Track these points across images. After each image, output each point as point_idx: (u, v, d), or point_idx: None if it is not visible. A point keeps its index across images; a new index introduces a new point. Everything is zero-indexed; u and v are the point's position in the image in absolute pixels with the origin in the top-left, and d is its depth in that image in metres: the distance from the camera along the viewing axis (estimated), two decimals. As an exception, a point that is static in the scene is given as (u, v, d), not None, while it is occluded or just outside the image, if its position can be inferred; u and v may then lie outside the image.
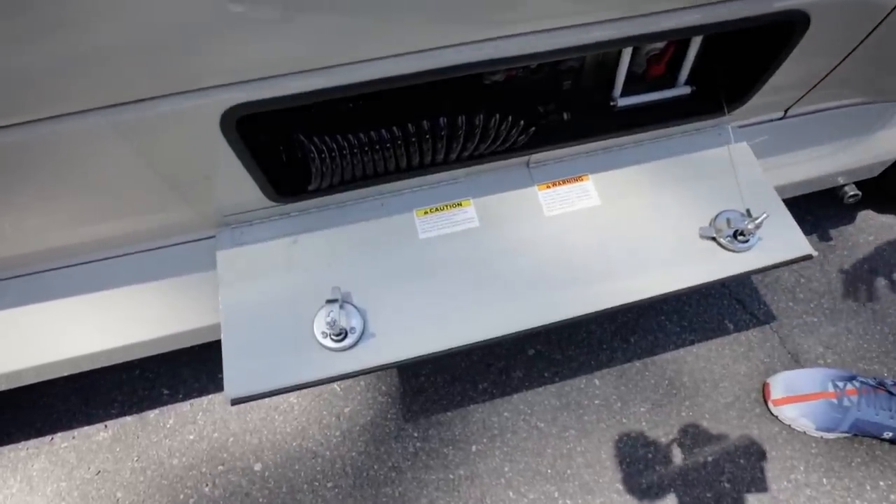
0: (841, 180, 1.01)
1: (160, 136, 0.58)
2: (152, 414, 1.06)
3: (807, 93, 0.84)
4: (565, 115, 0.83)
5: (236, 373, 0.68)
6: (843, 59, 0.76)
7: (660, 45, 0.80)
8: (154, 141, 0.58)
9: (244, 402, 0.66)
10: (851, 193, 1.03)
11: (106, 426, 1.06)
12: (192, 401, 1.08)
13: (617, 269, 0.77)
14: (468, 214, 0.81)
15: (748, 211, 0.78)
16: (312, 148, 0.69)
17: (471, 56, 0.59)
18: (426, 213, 0.81)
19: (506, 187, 0.83)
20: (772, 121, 0.92)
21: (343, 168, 0.73)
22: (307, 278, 0.75)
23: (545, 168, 0.85)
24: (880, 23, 0.70)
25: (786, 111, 0.90)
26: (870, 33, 0.71)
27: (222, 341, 0.70)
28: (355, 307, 0.73)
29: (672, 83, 0.83)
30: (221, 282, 0.74)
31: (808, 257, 0.78)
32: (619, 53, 0.77)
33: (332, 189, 0.76)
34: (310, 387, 0.69)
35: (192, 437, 1.04)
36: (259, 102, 0.56)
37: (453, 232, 0.80)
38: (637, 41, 0.65)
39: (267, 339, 0.71)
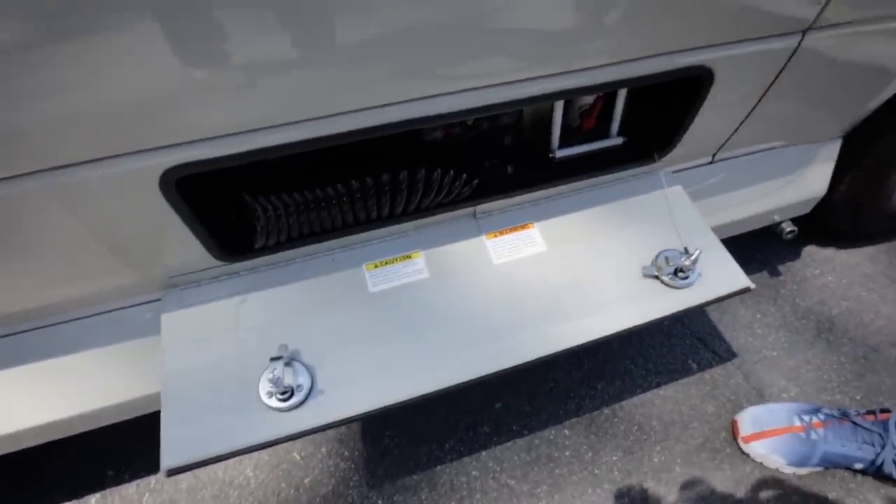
0: (776, 218, 1.07)
1: (98, 199, 0.59)
2: (94, 499, 0.99)
3: (729, 138, 0.91)
4: (509, 169, 0.87)
5: (174, 441, 0.64)
6: (755, 106, 0.84)
7: (589, 100, 0.87)
8: (92, 204, 0.59)
9: (182, 471, 0.62)
10: (788, 230, 1.08)
11: (41, 516, 0.97)
12: (138, 481, 1.00)
13: (567, 310, 0.78)
14: (418, 266, 0.82)
15: (686, 249, 0.81)
16: (257, 207, 0.71)
17: (412, 113, 0.63)
18: (376, 266, 0.82)
19: (454, 238, 0.85)
20: (702, 165, 0.98)
21: (289, 225, 0.75)
22: (255, 338, 0.74)
23: (491, 218, 0.88)
24: (782, 70, 0.77)
25: (713, 156, 0.97)
26: (773, 80, 0.79)
27: (161, 408, 0.67)
28: (303, 364, 0.71)
29: (605, 135, 0.89)
30: (165, 346, 0.72)
31: (746, 290, 0.81)
32: (553, 108, 0.83)
33: (279, 247, 0.77)
34: (256, 450, 0.66)
35: (137, 522, 0.96)
36: (198, 163, 0.58)
37: (404, 284, 0.80)
38: (566, 95, 0.71)
39: (209, 403, 0.68)
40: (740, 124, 0.87)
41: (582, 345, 0.76)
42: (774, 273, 1.32)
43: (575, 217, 0.89)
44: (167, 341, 0.73)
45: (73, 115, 0.50)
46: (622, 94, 0.83)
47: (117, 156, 0.55)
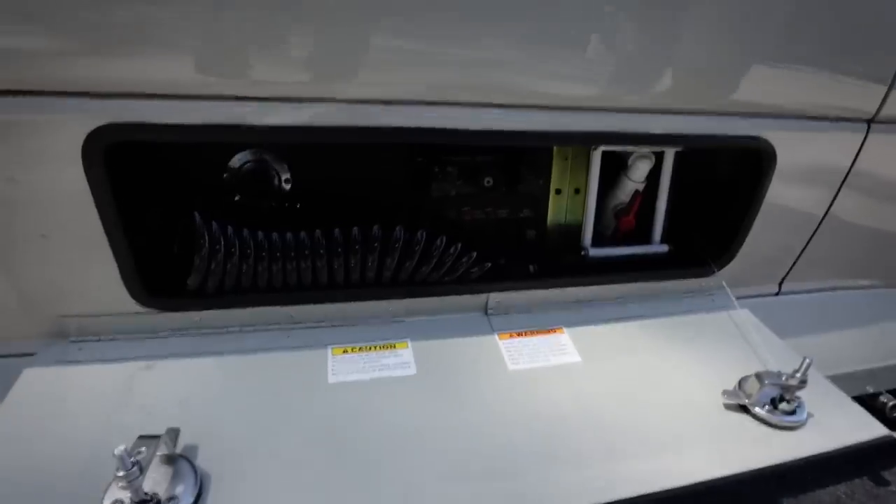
0: (869, 388, 0.81)
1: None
2: None
3: (800, 255, 0.75)
4: (531, 268, 0.71)
5: None
6: (827, 212, 0.70)
7: (625, 197, 0.75)
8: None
9: None
10: (892, 405, 0.81)
11: None
12: None
13: (614, 444, 0.51)
14: (403, 358, 0.60)
15: (779, 373, 0.58)
16: (204, 231, 0.55)
17: (409, 120, 0.52)
18: (346, 351, 0.60)
19: (456, 332, 0.64)
20: (765, 296, 0.79)
21: (240, 270, 0.57)
22: (140, 421, 0.48)
23: (508, 316, 0.68)
24: (851, 166, 0.66)
25: (780, 283, 0.79)
26: (844, 179, 0.67)
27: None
28: (193, 466, 0.44)
29: (647, 240, 0.75)
30: (4, 411, 0.48)
31: (890, 440, 0.53)
32: (585, 201, 0.72)
33: (219, 299, 0.57)
34: None
35: None
36: (140, 128, 0.46)
37: (379, 378, 0.57)
38: (604, 139, 0.60)
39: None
40: (812, 236, 0.73)
41: (646, 496, 0.47)
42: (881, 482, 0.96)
43: (618, 328, 0.68)
44: (9, 406, 0.48)
45: None
46: (664, 192, 0.73)
47: (29, 93, 0.43)
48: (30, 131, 0.44)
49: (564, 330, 0.66)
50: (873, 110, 0.63)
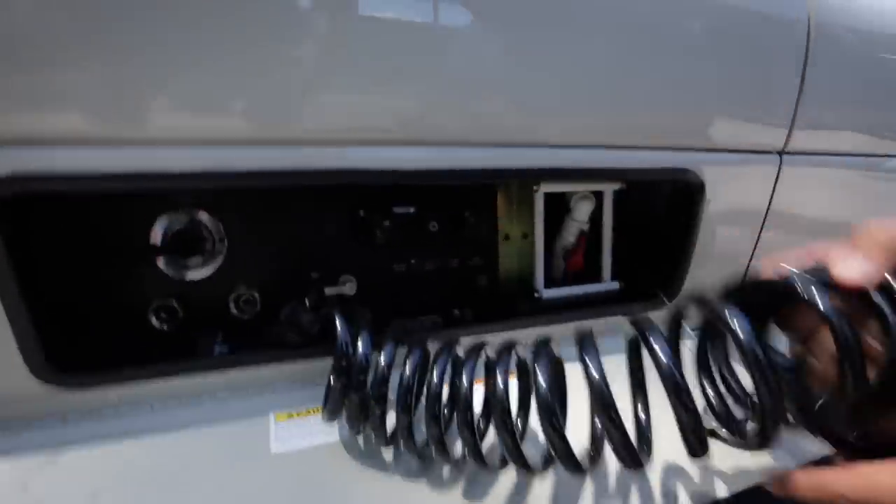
0: None
1: None
2: None
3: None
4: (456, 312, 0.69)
5: None
6: (758, 241, 0.74)
7: (571, 239, 0.76)
8: None
9: None
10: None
11: None
12: None
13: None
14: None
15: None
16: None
17: (340, 161, 0.51)
18: (291, 416, 0.53)
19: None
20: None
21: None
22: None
23: (467, 364, 0.64)
24: (771, 197, 0.71)
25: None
26: (767, 209, 0.72)
27: None
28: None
29: (597, 278, 0.76)
30: None
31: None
32: (533, 244, 0.72)
33: (147, 369, 0.50)
34: None
35: None
36: (49, 179, 0.41)
37: (332, 442, 0.51)
38: (537, 174, 0.62)
39: None
40: (748, 265, 0.76)
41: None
42: None
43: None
44: None
45: None
46: (608, 230, 0.74)
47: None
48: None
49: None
50: (782, 143, 0.69)
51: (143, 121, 0.42)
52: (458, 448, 0.47)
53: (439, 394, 0.44)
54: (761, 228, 0.73)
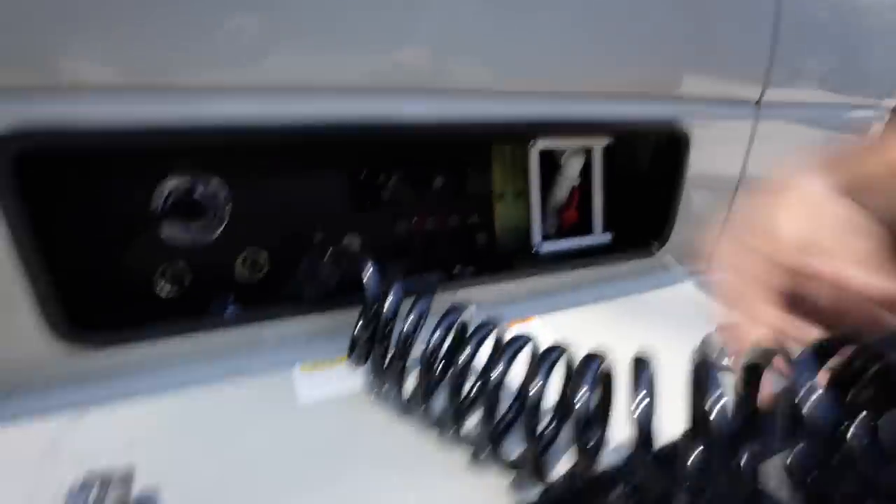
0: None
1: None
2: None
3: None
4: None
5: None
6: (737, 188, 0.79)
7: (563, 196, 0.79)
8: None
9: None
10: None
11: None
12: None
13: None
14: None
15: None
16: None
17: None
18: (315, 366, 0.55)
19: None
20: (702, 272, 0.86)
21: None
22: (74, 472, 0.40)
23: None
24: (749, 147, 0.76)
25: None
26: (746, 157, 0.76)
27: None
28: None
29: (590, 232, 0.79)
30: None
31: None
32: (528, 201, 0.75)
33: (168, 326, 0.51)
34: None
35: None
36: (66, 135, 0.41)
37: (359, 390, 0.52)
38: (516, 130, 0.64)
39: None
40: (727, 213, 0.81)
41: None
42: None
43: (582, 311, 0.69)
44: None
45: None
46: (598, 185, 0.78)
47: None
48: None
49: (535, 317, 0.67)
50: (758, 95, 0.74)
51: (163, 66, 0.42)
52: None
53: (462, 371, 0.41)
54: (740, 176, 0.78)
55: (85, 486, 0.33)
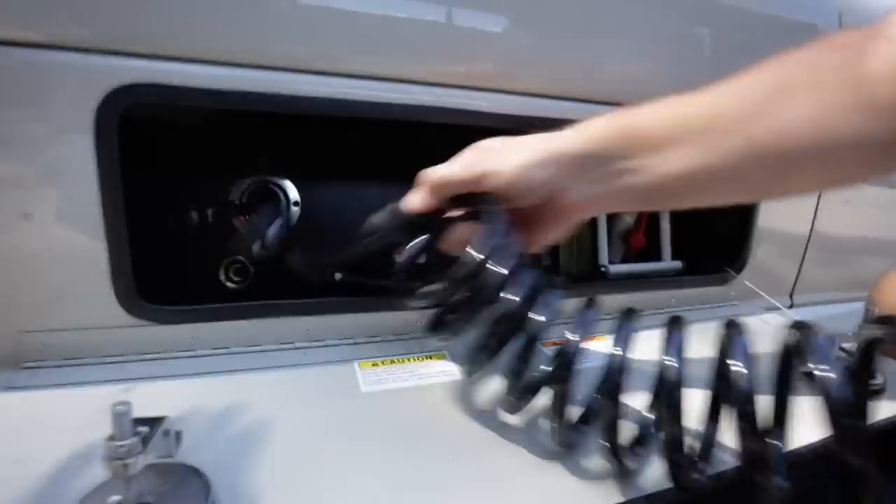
0: None
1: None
2: None
3: (800, 269, 0.76)
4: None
5: None
6: (813, 224, 0.74)
7: (630, 220, 0.77)
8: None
9: None
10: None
11: None
12: None
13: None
14: (444, 367, 0.51)
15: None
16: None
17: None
18: (375, 364, 0.50)
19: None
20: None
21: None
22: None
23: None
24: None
25: (791, 297, 0.79)
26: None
27: None
28: (203, 478, 0.32)
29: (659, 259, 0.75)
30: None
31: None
32: (596, 227, 0.73)
33: (232, 309, 0.48)
34: None
35: None
36: (176, 91, 0.42)
37: (419, 385, 0.47)
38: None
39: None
40: (806, 247, 0.76)
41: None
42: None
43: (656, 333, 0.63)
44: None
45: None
46: (665, 214, 0.75)
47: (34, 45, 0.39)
48: (33, 88, 0.40)
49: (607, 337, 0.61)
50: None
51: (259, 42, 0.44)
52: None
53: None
54: (818, 199, 0.74)
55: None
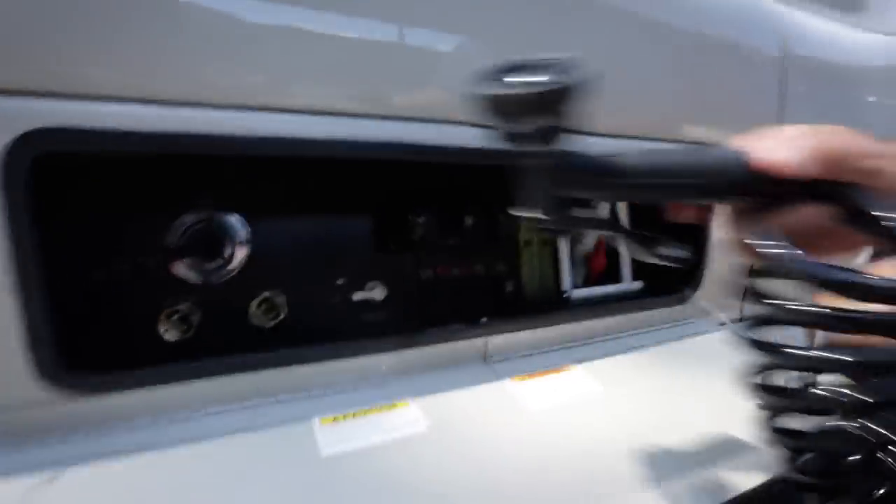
0: None
1: None
2: None
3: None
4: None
5: None
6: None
7: (590, 243, 0.77)
8: None
9: None
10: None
11: None
12: None
13: (668, 472, 0.44)
14: (408, 416, 0.48)
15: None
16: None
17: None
18: (335, 420, 0.47)
19: (459, 384, 0.55)
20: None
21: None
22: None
23: (509, 363, 0.60)
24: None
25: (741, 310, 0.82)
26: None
27: None
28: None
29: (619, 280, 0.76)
30: None
31: None
32: (557, 248, 0.72)
33: (174, 370, 0.44)
34: None
35: None
36: (91, 136, 0.38)
37: (384, 441, 0.45)
38: None
39: None
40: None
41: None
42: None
43: (621, 359, 0.63)
44: None
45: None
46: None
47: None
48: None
49: (575, 366, 0.60)
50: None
51: (178, 79, 0.40)
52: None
53: None
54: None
55: None
